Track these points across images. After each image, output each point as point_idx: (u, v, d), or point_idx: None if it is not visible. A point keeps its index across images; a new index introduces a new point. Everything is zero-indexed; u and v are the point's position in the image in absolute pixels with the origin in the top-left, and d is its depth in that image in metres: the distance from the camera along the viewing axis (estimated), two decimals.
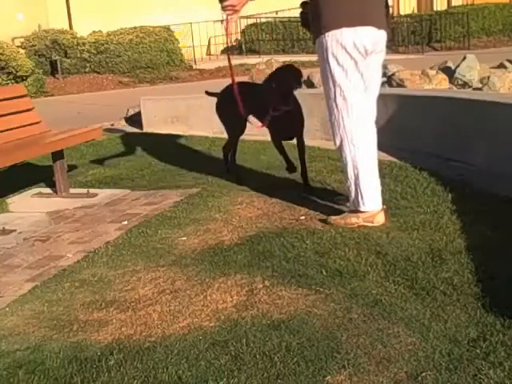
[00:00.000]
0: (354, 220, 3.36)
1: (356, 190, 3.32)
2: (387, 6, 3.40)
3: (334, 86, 3.24)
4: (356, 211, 3.36)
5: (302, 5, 3.42)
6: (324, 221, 3.45)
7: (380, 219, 3.35)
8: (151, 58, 16.39)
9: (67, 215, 4.15)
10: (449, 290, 2.52)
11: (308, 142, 5.56)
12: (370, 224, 3.32)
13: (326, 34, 3.19)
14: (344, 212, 3.47)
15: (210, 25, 18.41)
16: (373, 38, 3.23)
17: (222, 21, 19.03)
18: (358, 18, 3.19)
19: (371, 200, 3.33)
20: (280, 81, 4.02)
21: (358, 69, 3.23)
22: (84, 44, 16.00)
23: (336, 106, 3.27)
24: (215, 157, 5.50)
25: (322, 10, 3.19)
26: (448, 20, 18.35)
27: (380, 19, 3.29)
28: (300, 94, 6.48)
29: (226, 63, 17.51)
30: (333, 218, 3.43)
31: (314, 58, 14.09)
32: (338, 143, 3.34)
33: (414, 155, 4.61)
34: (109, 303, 2.69)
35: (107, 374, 2.11)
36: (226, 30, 3.72)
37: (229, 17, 3.49)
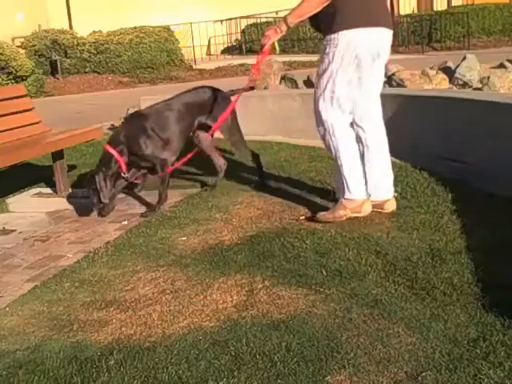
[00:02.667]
0: (342, 212, 3.40)
1: (342, 178, 3.40)
2: (392, 6, 3.46)
3: (329, 79, 3.31)
4: (343, 202, 3.41)
5: None
6: (311, 218, 3.49)
7: (367, 208, 3.40)
8: (151, 58, 16.38)
9: (67, 215, 4.15)
10: (449, 289, 2.52)
11: (308, 142, 5.59)
12: (358, 215, 3.38)
13: (339, 33, 3.22)
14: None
15: (210, 25, 18.43)
16: (382, 39, 3.30)
17: (221, 21, 19.10)
18: (370, 20, 3.25)
19: (357, 188, 3.39)
20: None
21: (358, 69, 3.29)
22: (84, 44, 15.99)
23: (323, 97, 3.35)
24: None
25: (337, 8, 3.21)
26: (448, 20, 18.33)
27: (388, 20, 3.36)
28: (300, 93, 6.47)
29: (225, 63, 17.31)
30: (321, 213, 3.48)
31: (314, 58, 14.09)
32: (321, 133, 3.45)
33: (414, 155, 4.61)
34: (109, 303, 2.69)
35: (107, 374, 2.11)
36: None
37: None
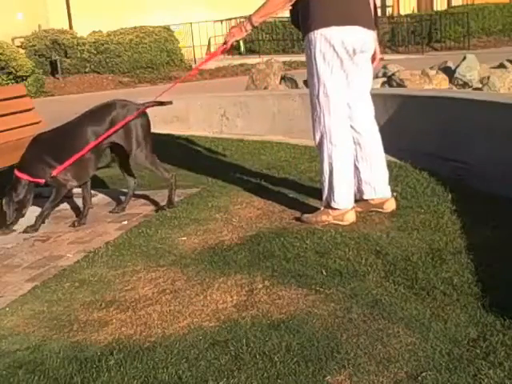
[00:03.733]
0: (324, 218, 3.40)
1: (329, 187, 3.38)
2: (375, 7, 3.47)
3: (319, 82, 3.30)
4: (327, 208, 3.41)
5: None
6: (298, 219, 3.50)
7: (350, 218, 3.39)
8: (151, 58, 16.40)
9: (67, 215, 4.15)
10: (449, 289, 2.52)
11: (308, 142, 5.58)
12: (340, 222, 3.37)
13: (315, 32, 3.24)
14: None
15: (210, 25, 18.44)
16: (360, 37, 3.30)
17: (221, 21, 19.10)
18: (347, 18, 3.25)
19: (342, 198, 3.37)
20: None
21: (343, 68, 3.29)
22: (84, 44, 16.01)
23: (319, 103, 3.33)
24: (215, 157, 5.51)
25: (311, 7, 3.24)
26: (448, 20, 18.36)
27: (368, 19, 3.37)
28: (300, 94, 6.47)
29: (225, 63, 17.34)
30: (305, 215, 3.49)
31: None
32: (317, 140, 3.40)
33: (414, 155, 4.61)
34: (109, 303, 2.69)
35: (107, 374, 2.11)
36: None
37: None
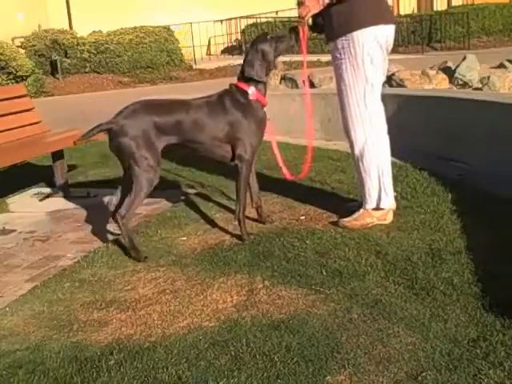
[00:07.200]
0: (368, 220, 3.34)
1: (380, 187, 3.31)
2: None
3: (367, 82, 3.20)
4: (370, 211, 3.34)
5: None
6: (335, 223, 3.40)
7: (390, 217, 3.38)
8: (151, 58, 16.37)
9: (67, 215, 4.15)
10: (449, 289, 2.52)
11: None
12: (383, 222, 3.34)
13: (363, 30, 3.13)
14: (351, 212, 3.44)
15: (210, 25, 18.42)
16: (393, 35, 3.29)
17: (221, 21, 19.09)
18: (388, 16, 3.26)
19: (389, 197, 3.35)
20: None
21: (383, 65, 3.27)
22: (84, 44, 15.99)
23: (365, 103, 3.22)
24: None
25: (353, 6, 3.13)
26: (448, 20, 18.33)
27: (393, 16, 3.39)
28: (300, 94, 6.46)
29: (225, 63, 17.18)
30: (345, 220, 3.37)
31: (314, 58, 14.07)
32: (360, 145, 3.27)
33: (414, 155, 4.61)
34: (109, 303, 2.69)
35: (107, 374, 2.11)
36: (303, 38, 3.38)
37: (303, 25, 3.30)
